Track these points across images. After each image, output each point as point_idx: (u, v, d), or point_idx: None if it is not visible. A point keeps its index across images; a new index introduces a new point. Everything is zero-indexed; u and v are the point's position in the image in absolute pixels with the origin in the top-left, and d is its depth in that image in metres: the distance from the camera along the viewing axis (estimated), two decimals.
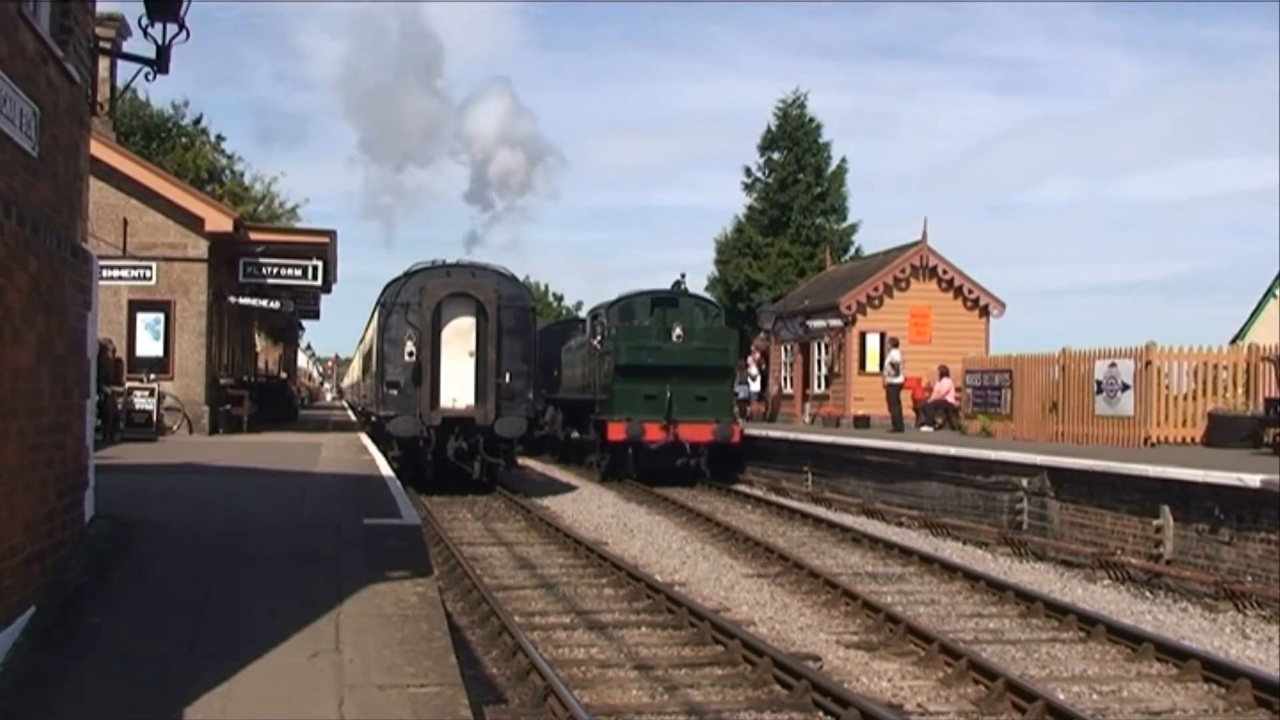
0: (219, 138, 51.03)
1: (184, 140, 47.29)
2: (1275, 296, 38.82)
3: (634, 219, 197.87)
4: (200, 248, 24.27)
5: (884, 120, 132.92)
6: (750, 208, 51.52)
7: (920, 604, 12.76)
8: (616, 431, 25.26)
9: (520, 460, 27.81)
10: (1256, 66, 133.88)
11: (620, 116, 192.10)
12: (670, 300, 27.94)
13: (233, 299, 27.19)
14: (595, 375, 27.54)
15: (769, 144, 51.03)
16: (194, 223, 24.04)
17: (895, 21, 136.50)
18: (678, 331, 25.93)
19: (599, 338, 27.33)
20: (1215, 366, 21.34)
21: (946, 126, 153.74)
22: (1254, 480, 13.00)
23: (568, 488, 25.71)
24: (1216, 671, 9.57)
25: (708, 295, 36.69)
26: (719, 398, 26.34)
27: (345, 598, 7.11)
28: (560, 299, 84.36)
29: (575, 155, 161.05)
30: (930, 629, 10.90)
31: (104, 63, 15.86)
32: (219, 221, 24.18)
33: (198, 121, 49.01)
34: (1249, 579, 12.96)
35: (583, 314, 40.55)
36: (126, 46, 19.39)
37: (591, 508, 21.81)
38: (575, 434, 29.73)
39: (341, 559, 8.33)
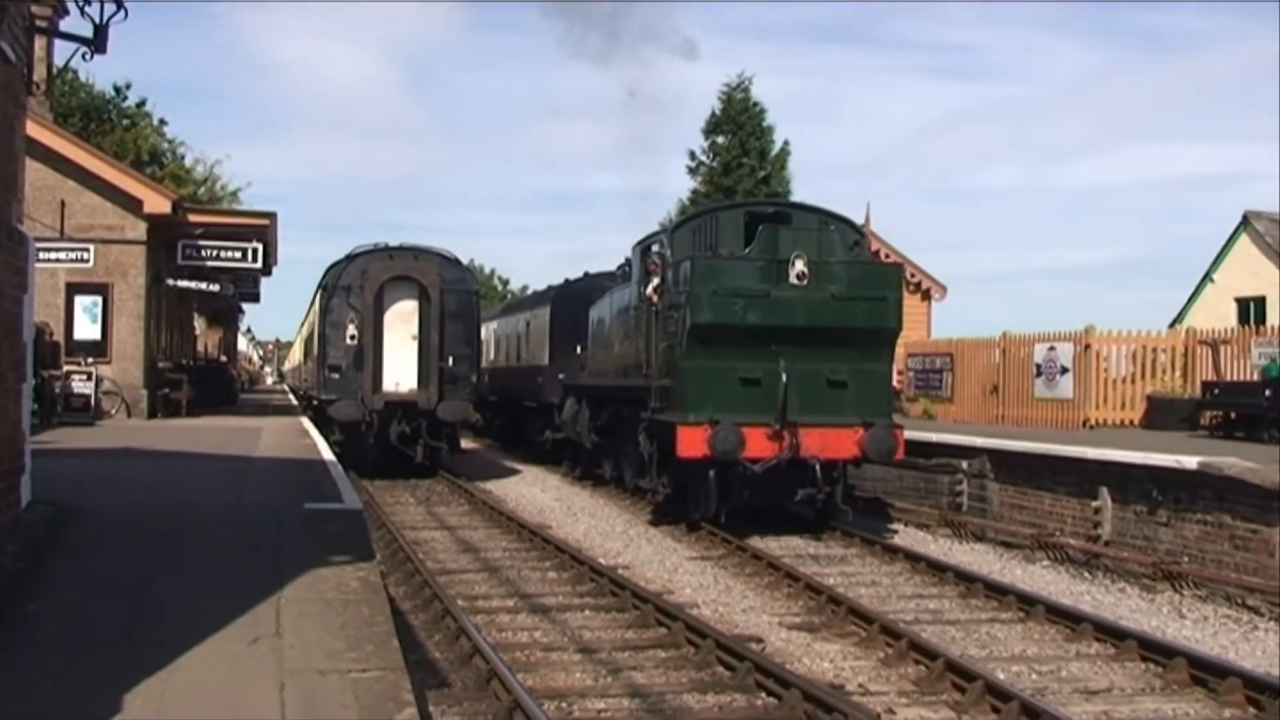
0: (162, 122, 50.33)
1: (125, 122, 46.55)
2: (1212, 281, 39.37)
3: (575, 203, 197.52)
4: (139, 230, 23.96)
5: (826, 104, 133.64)
6: (694, 191, 51.59)
7: (862, 585, 12.84)
8: (692, 441, 14.99)
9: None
10: (1196, 54, 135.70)
11: (559, 100, 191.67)
12: (780, 216, 16.96)
13: (171, 282, 26.86)
14: (650, 346, 16.85)
15: (713, 128, 51.09)
16: (132, 204, 23.73)
17: (834, 6, 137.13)
18: (799, 267, 15.29)
19: (656, 282, 16.50)
20: (1153, 350, 21.66)
21: (889, 111, 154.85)
22: (1191, 462, 13.19)
23: (511, 471, 25.60)
24: (1153, 651, 9.70)
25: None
26: (870, 383, 15.90)
27: (286, 583, 7.05)
28: (506, 282, 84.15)
29: (515, 140, 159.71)
30: (871, 610, 10.99)
31: (41, 42, 15.60)
32: (157, 203, 23.88)
33: (141, 104, 48.34)
34: (1185, 560, 13.17)
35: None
36: (64, 26, 19.07)
37: (535, 491, 21.78)
38: (605, 439, 20.40)
39: (282, 544, 8.27)
